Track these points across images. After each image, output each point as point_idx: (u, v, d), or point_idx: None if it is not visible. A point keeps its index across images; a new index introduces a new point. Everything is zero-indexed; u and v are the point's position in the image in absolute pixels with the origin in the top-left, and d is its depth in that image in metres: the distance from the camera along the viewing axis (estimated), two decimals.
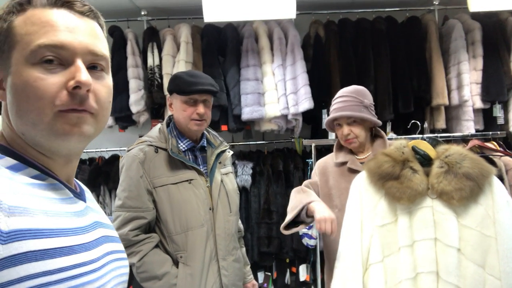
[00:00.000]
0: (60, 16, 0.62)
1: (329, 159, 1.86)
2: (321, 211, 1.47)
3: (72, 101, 0.60)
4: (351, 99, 1.73)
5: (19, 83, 0.59)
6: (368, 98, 1.76)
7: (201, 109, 1.56)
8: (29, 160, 0.62)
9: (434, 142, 1.42)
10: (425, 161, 1.36)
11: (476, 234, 1.24)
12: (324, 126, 2.91)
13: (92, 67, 0.65)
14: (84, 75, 0.60)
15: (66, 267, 0.55)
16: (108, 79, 0.69)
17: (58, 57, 0.60)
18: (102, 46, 0.67)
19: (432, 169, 1.32)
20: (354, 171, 1.69)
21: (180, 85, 1.56)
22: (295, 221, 1.61)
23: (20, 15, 0.61)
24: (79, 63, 0.61)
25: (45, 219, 0.55)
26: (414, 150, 1.38)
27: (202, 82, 1.57)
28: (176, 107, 1.60)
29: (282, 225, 1.62)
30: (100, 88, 0.65)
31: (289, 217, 1.60)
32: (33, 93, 0.58)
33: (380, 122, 1.77)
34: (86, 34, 0.64)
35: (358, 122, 1.72)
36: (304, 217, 1.57)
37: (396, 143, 1.41)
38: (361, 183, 1.43)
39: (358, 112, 1.70)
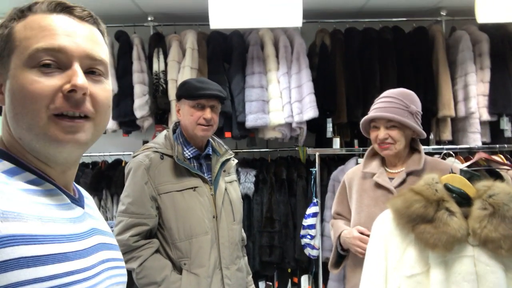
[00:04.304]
0: (59, 21, 0.63)
1: (357, 170, 1.73)
2: (347, 241, 1.61)
3: (67, 104, 0.60)
4: (396, 101, 1.56)
5: (16, 86, 0.59)
6: (416, 105, 1.58)
7: (208, 114, 1.56)
8: (26, 165, 0.62)
9: (468, 175, 1.20)
10: (463, 200, 1.15)
11: None
12: (329, 135, 2.90)
13: (90, 72, 0.65)
14: (80, 79, 0.61)
15: (58, 275, 0.54)
16: (107, 84, 0.68)
17: (56, 60, 0.61)
18: (101, 51, 0.67)
19: (473, 211, 1.10)
20: (380, 187, 1.58)
21: (189, 89, 1.57)
22: (340, 255, 1.75)
23: (20, 21, 0.63)
24: (76, 66, 0.61)
25: (39, 225, 0.55)
26: (448, 188, 1.17)
27: (210, 87, 1.58)
28: (183, 113, 1.60)
29: (330, 266, 1.81)
30: (99, 92, 0.65)
31: (331, 260, 1.79)
32: (29, 95, 0.59)
33: (424, 134, 1.59)
34: (85, 38, 0.64)
35: (398, 127, 1.54)
36: (342, 252, 1.72)
37: (427, 178, 1.20)
38: (386, 225, 1.22)
39: (401, 116, 1.52)
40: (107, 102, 0.68)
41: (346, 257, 1.72)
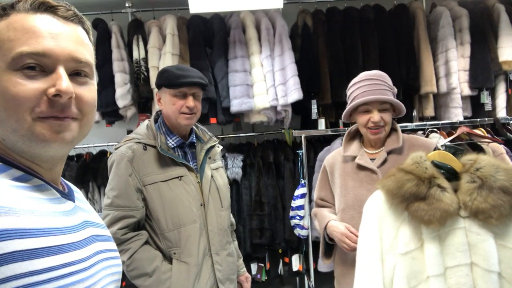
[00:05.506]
0: (43, 22, 0.61)
1: (337, 155, 1.73)
2: (334, 234, 1.60)
3: (52, 108, 0.60)
4: (381, 83, 1.53)
5: None
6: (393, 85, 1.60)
7: (190, 102, 1.53)
8: (13, 162, 0.61)
9: (452, 150, 1.23)
10: (451, 175, 1.19)
11: None
12: (314, 116, 2.91)
13: (75, 73, 0.64)
14: (64, 83, 0.60)
15: (54, 267, 0.55)
16: (93, 85, 0.68)
17: (40, 64, 0.60)
18: (86, 52, 0.66)
19: (461, 185, 1.15)
20: (363, 168, 1.59)
21: (169, 78, 1.54)
22: (329, 244, 1.73)
23: (3, 19, 0.61)
24: (61, 70, 0.61)
25: (32, 219, 0.55)
26: (436, 165, 1.20)
27: (191, 75, 1.55)
28: (165, 102, 1.57)
29: (321, 256, 1.78)
30: (85, 94, 0.65)
31: (321, 250, 1.76)
32: (12, 99, 0.58)
33: (404, 112, 1.60)
34: (70, 40, 0.63)
35: (388, 109, 1.54)
36: (330, 242, 1.70)
37: (414, 157, 1.23)
38: (378, 206, 1.24)
39: (392, 98, 1.51)
40: (93, 103, 0.68)
41: (335, 245, 1.72)
